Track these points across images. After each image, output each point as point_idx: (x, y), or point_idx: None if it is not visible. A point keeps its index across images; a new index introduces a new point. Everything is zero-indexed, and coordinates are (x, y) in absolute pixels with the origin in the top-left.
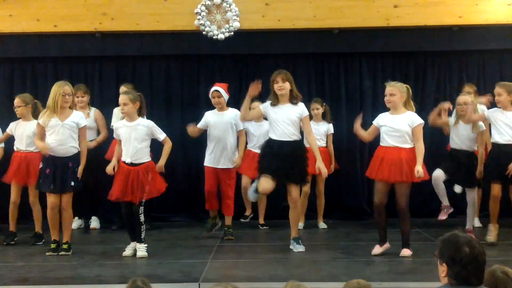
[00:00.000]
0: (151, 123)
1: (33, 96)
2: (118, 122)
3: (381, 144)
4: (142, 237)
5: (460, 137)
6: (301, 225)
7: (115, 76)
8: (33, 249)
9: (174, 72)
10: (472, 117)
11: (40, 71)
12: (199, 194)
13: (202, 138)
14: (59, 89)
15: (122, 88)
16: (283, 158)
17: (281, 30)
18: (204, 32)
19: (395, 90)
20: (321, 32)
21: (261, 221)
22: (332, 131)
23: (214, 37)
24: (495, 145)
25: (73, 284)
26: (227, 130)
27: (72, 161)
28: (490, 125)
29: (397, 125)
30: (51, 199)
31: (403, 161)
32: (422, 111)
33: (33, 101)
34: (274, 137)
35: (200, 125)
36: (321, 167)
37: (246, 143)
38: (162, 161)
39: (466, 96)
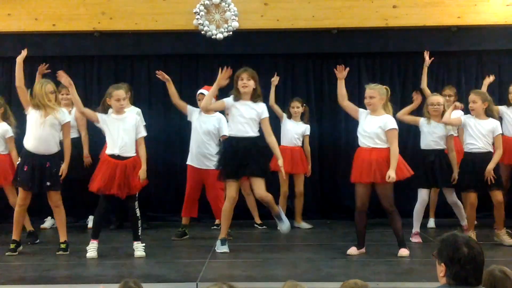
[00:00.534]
0: (139, 110)
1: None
2: (105, 115)
3: (359, 145)
4: (139, 234)
5: (433, 136)
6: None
7: (114, 76)
8: (30, 248)
9: (173, 72)
10: (448, 119)
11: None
12: None
13: None
14: (42, 88)
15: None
16: (242, 154)
17: (280, 30)
18: (202, 32)
19: (375, 93)
20: (320, 32)
21: (257, 220)
22: (309, 133)
23: (212, 37)
24: (468, 154)
25: (70, 283)
26: (210, 134)
27: (51, 161)
28: (463, 130)
29: (369, 127)
30: (22, 195)
31: (373, 162)
32: (420, 111)
33: (5, 104)
34: (232, 133)
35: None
36: (279, 162)
37: None
38: (144, 166)
39: (439, 96)
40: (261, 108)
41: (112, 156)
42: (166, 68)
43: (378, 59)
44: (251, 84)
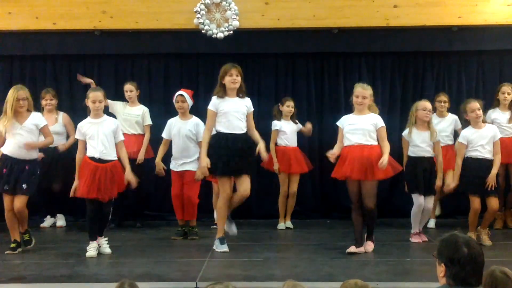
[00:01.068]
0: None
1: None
2: (82, 122)
3: (345, 144)
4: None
5: (422, 143)
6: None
7: (114, 74)
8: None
9: (173, 71)
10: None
11: (39, 69)
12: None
13: None
14: (14, 94)
15: (128, 86)
16: (235, 152)
17: (281, 30)
18: (203, 31)
19: (368, 94)
20: (320, 32)
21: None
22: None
23: (213, 36)
24: (473, 159)
25: (70, 282)
26: (189, 138)
27: (29, 164)
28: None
29: (361, 124)
30: (6, 200)
31: (364, 158)
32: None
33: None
34: (223, 130)
35: (164, 134)
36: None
37: None
38: (128, 168)
39: (428, 102)
40: (249, 103)
41: (93, 158)
42: (166, 67)
43: (378, 59)
44: (239, 80)
